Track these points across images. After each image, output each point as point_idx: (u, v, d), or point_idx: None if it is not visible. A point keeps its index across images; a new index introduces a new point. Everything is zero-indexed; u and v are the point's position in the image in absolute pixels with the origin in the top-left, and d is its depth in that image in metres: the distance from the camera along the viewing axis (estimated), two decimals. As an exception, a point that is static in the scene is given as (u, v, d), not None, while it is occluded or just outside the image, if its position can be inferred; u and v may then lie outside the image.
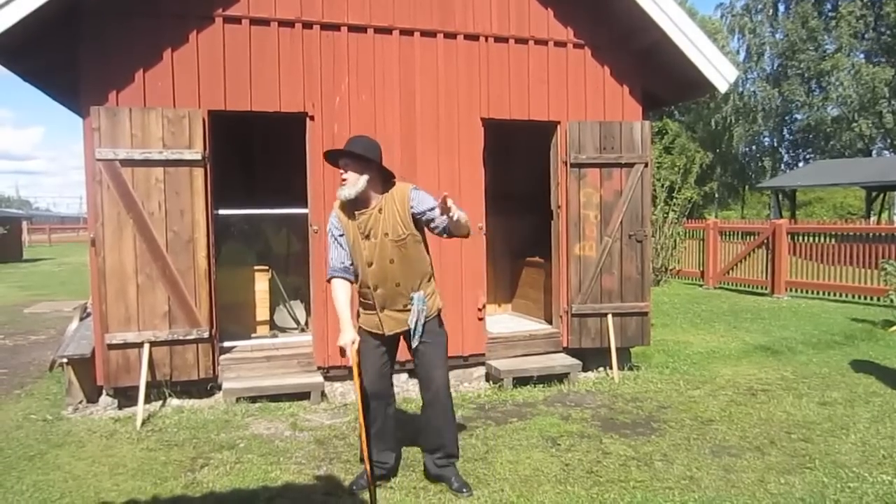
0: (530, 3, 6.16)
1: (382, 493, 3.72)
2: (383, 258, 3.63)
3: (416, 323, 3.69)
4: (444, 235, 3.66)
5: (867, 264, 11.24)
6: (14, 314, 11.14)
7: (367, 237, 3.63)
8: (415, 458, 4.14)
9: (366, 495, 3.69)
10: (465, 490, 3.72)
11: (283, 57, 5.48)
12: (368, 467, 3.56)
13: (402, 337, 3.80)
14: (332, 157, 3.77)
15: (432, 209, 3.59)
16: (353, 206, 3.64)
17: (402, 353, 3.93)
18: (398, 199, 3.67)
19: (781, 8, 41.56)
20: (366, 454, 3.57)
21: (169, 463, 4.21)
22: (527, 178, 7.62)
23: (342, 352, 3.58)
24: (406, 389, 5.72)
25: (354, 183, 3.57)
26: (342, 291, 3.65)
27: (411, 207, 3.64)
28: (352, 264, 3.69)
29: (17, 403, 5.71)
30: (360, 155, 3.58)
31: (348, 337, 3.54)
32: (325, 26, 5.58)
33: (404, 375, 5.79)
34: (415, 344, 3.72)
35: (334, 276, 3.69)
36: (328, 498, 3.71)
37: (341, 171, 3.63)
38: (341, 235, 3.69)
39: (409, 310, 3.69)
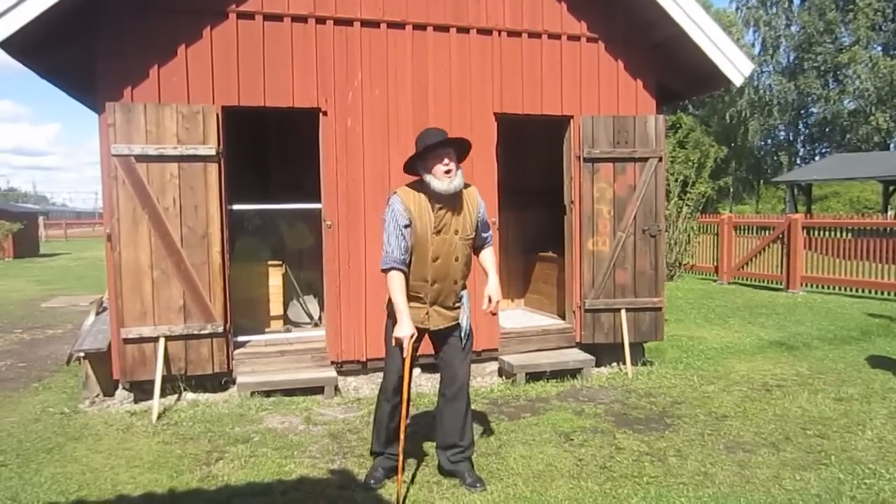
0: (543, -3, 6.13)
1: (395, 487, 3.73)
2: (450, 255, 3.64)
3: (468, 321, 3.78)
4: (476, 252, 3.87)
5: (884, 259, 11.14)
6: (31, 308, 11.27)
7: (439, 232, 3.61)
8: (428, 452, 4.16)
9: (381, 490, 3.71)
10: (478, 485, 3.72)
11: (297, 52, 5.50)
12: (400, 463, 3.59)
13: (427, 334, 3.78)
14: (431, 145, 3.55)
15: (486, 224, 3.82)
16: (434, 199, 3.59)
17: (425, 349, 3.92)
18: (469, 199, 3.71)
19: (797, 0, 41.13)
20: (401, 448, 3.60)
21: (184, 456, 4.25)
22: (540, 173, 7.61)
23: (398, 342, 3.57)
24: (419, 384, 5.74)
25: (457, 173, 3.57)
26: (401, 283, 3.56)
27: (479, 213, 3.75)
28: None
29: (35, 396, 5.78)
30: (465, 146, 3.66)
31: (408, 330, 3.51)
32: (338, 21, 5.59)
33: (416, 370, 5.81)
34: (464, 341, 3.78)
35: (394, 268, 3.55)
36: (342, 491, 3.73)
37: (445, 161, 3.53)
38: (407, 226, 3.56)
39: (457, 308, 3.76)
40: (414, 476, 3.90)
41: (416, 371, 5.79)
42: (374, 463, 3.87)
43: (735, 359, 6.88)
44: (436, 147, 3.55)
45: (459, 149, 3.68)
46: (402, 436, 3.62)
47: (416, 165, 3.64)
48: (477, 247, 3.86)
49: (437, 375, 4.12)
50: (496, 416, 5.02)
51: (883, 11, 36.57)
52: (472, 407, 5.11)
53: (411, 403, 5.19)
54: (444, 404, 3.84)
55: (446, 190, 3.55)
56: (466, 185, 3.71)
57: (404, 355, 3.56)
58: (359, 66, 5.66)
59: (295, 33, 5.49)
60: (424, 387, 5.70)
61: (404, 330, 3.51)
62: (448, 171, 3.55)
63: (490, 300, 3.78)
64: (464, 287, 3.79)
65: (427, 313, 3.69)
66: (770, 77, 41.52)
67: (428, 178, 3.57)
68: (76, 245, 33.07)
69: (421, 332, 3.71)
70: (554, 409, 5.19)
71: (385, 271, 3.59)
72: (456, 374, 3.78)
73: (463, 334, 3.79)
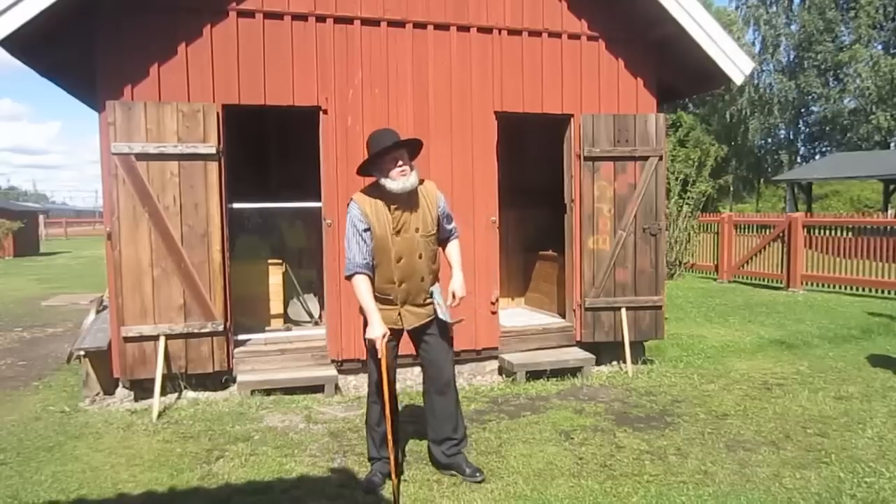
0: (544, -4, 6.13)
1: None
2: (413, 253, 3.65)
3: (446, 314, 3.77)
4: (442, 245, 3.89)
5: (884, 258, 11.14)
6: (32, 307, 11.28)
7: (398, 232, 3.62)
8: (427, 450, 4.15)
9: (381, 491, 3.70)
10: (478, 475, 3.76)
11: (297, 51, 5.49)
12: (392, 463, 3.59)
13: (406, 333, 3.79)
14: (384, 148, 3.56)
15: (448, 217, 3.83)
16: (390, 201, 3.61)
17: (408, 348, 3.94)
18: (428, 195, 3.72)
19: (797, -1, 41.09)
20: (390, 448, 3.61)
21: (185, 455, 4.25)
22: (540, 172, 7.60)
23: (370, 345, 3.57)
24: (419, 382, 5.73)
25: (412, 172, 3.60)
26: (367, 286, 3.59)
27: (439, 207, 3.75)
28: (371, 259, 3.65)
29: (35, 395, 5.78)
30: (418, 147, 3.70)
31: (380, 330, 3.52)
32: (339, 20, 5.58)
33: (417, 369, 5.80)
34: (444, 335, 3.80)
35: (358, 273, 3.58)
36: (342, 490, 3.74)
37: (399, 163, 3.56)
38: (366, 230, 3.59)
39: (428, 304, 3.76)
40: (407, 473, 3.89)
41: (416, 370, 5.78)
42: (372, 468, 3.85)
43: (735, 357, 6.88)
44: (388, 150, 3.57)
45: (412, 148, 3.70)
46: (389, 436, 3.62)
47: (370, 169, 3.65)
48: (442, 240, 3.86)
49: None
50: (496, 415, 5.02)
51: (884, 10, 36.49)
52: (473, 405, 5.15)
53: (411, 402, 5.20)
54: (433, 400, 3.86)
55: (402, 189, 3.57)
56: (422, 181, 3.72)
57: (379, 356, 3.57)
58: (359, 65, 5.66)
59: (295, 31, 5.49)
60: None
61: (375, 331, 3.52)
62: (402, 172, 3.57)
63: (454, 296, 3.79)
64: (433, 283, 3.79)
65: (399, 314, 3.70)
66: (770, 76, 41.42)
67: (383, 180, 3.59)
68: (76, 243, 33.06)
69: (397, 332, 3.74)
70: (554, 407, 5.19)
71: (349, 277, 3.60)
72: (441, 369, 3.82)
73: (447, 326, 3.80)
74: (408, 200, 3.64)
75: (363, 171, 3.73)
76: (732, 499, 3.58)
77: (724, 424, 4.75)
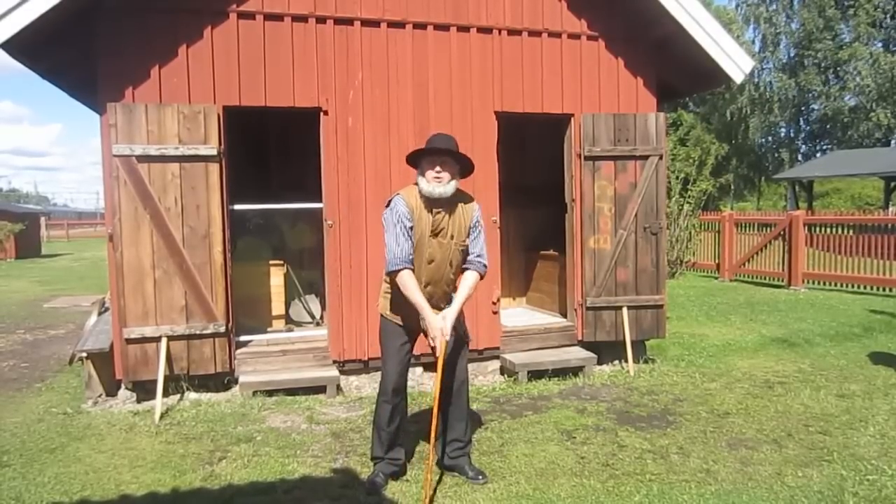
0: (543, -5, 6.13)
1: (399, 487, 3.75)
2: (444, 259, 3.70)
3: (462, 323, 3.83)
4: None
5: (886, 255, 11.14)
6: (34, 309, 11.28)
7: (435, 236, 3.66)
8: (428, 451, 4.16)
9: (383, 491, 3.70)
10: (480, 477, 3.76)
11: (297, 52, 5.50)
12: (431, 462, 3.60)
13: (423, 334, 3.80)
14: (426, 149, 3.66)
15: (477, 232, 3.80)
16: (432, 203, 3.64)
17: (416, 349, 3.95)
18: (466, 206, 3.77)
19: (796, -3, 41.06)
20: (432, 446, 3.60)
21: (187, 456, 4.25)
22: (541, 171, 7.61)
23: (427, 335, 3.60)
24: (421, 383, 5.75)
25: (448, 182, 3.62)
26: (415, 282, 3.58)
27: (472, 218, 3.79)
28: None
29: (38, 397, 5.79)
30: (461, 158, 3.70)
31: (440, 324, 3.55)
32: (339, 21, 5.59)
33: (419, 369, 5.82)
34: (462, 340, 3.84)
35: (405, 268, 3.56)
36: (345, 490, 3.74)
37: (437, 168, 3.59)
38: (411, 227, 3.61)
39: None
40: (416, 474, 3.90)
41: (419, 370, 5.80)
42: (375, 469, 3.84)
43: (737, 356, 6.88)
44: (434, 152, 3.62)
45: (463, 167, 3.73)
46: (432, 434, 3.62)
47: (416, 164, 3.70)
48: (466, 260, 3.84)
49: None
50: (498, 415, 5.03)
51: (883, 7, 36.47)
52: (474, 406, 5.15)
53: (413, 402, 5.20)
54: (446, 402, 3.85)
55: (429, 193, 3.60)
56: (469, 201, 3.78)
57: (438, 353, 3.59)
58: (359, 66, 5.66)
59: (295, 33, 5.49)
60: (426, 385, 5.71)
61: (438, 324, 3.55)
62: (437, 178, 3.59)
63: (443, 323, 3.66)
64: (454, 290, 3.82)
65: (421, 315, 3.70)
66: (770, 74, 41.40)
67: (419, 179, 3.65)
68: (78, 245, 33.09)
69: (415, 332, 3.77)
70: (556, 407, 5.20)
71: (394, 272, 3.57)
72: (456, 371, 3.82)
73: (464, 331, 3.84)
74: (449, 206, 3.68)
75: (410, 161, 3.78)
76: (735, 497, 3.58)
77: (725, 423, 4.75)
